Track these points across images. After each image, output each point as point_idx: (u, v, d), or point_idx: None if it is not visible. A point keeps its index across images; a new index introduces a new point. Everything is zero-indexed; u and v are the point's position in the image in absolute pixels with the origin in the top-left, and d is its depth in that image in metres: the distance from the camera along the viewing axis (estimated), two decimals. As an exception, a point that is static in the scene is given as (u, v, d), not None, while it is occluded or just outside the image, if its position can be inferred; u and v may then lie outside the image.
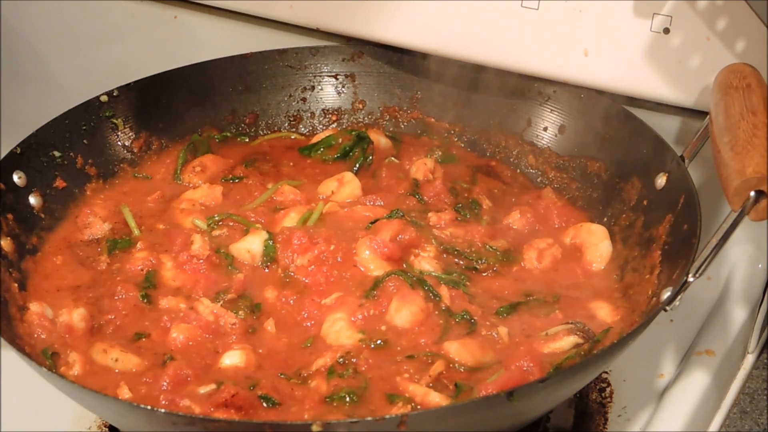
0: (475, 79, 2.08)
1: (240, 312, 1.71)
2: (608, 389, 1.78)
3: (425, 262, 1.77)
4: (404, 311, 1.67)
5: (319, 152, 2.07)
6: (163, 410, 1.45)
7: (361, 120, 2.16)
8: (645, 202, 1.82)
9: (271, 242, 1.81)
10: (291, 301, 1.73)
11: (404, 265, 1.77)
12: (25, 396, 1.76)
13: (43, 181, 1.88)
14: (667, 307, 1.55)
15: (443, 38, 2.02)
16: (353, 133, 2.07)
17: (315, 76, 2.15)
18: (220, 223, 1.88)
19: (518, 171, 2.04)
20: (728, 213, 1.54)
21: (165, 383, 1.57)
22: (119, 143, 2.02)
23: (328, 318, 1.68)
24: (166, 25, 2.34)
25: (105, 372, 1.62)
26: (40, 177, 1.87)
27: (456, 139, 2.11)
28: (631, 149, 1.88)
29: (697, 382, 1.73)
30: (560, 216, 1.91)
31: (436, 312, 1.69)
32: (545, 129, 2.03)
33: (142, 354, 1.64)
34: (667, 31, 1.87)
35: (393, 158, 2.05)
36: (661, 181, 1.79)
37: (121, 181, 2.00)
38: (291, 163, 2.06)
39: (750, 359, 1.82)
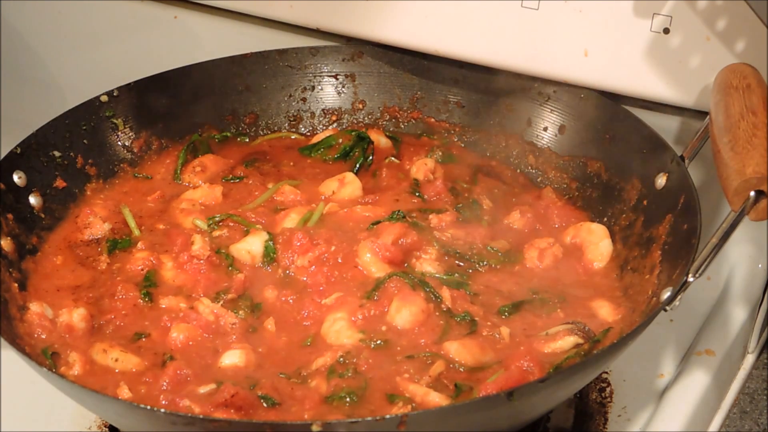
0: (475, 79, 2.08)
1: (240, 312, 1.71)
2: (608, 389, 1.78)
3: (427, 264, 1.77)
4: (405, 311, 1.67)
5: (320, 152, 2.07)
6: (163, 410, 1.45)
7: (361, 120, 2.16)
8: (645, 202, 1.82)
9: (271, 243, 1.81)
10: (291, 300, 1.74)
11: (405, 266, 1.77)
12: (25, 396, 1.76)
13: (43, 181, 1.88)
14: (667, 307, 1.55)
15: (443, 38, 2.02)
16: (353, 133, 2.07)
17: (315, 76, 2.15)
18: (221, 223, 1.88)
19: (518, 171, 2.04)
20: (728, 213, 1.54)
21: (165, 383, 1.57)
22: (119, 143, 2.02)
23: (329, 317, 1.68)
24: (166, 25, 2.34)
25: (105, 372, 1.62)
26: (40, 177, 1.87)
27: (456, 139, 2.11)
28: (631, 149, 1.88)
29: (697, 382, 1.74)
30: (560, 216, 1.91)
31: (437, 312, 1.69)
32: (545, 129, 2.03)
33: (142, 354, 1.64)
34: (667, 31, 1.87)
35: (393, 158, 2.06)
36: (661, 181, 1.79)
37: (121, 181, 2.00)
38: (291, 163, 2.06)
39: (750, 359, 1.82)
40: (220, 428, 1.41)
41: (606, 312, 1.71)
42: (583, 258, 1.82)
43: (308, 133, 2.14)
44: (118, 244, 1.85)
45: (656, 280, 1.68)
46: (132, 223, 1.89)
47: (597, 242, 1.83)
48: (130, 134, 2.03)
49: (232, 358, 1.62)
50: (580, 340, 1.63)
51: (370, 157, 2.05)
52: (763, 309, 1.77)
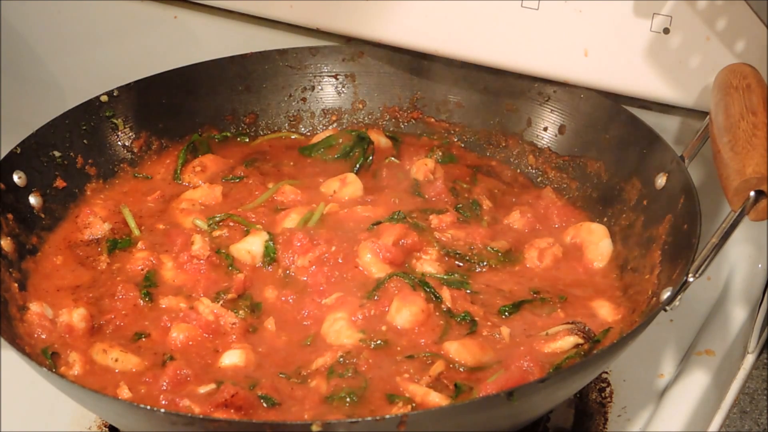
0: (475, 78, 2.08)
1: (240, 311, 1.71)
2: (608, 389, 1.78)
3: (427, 264, 1.77)
4: (405, 311, 1.67)
5: (320, 152, 2.07)
6: (162, 410, 1.45)
7: (361, 120, 2.16)
8: (645, 202, 1.82)
9: (271, 243, 1.81)
10: (291, 300, 1.74)
11: (405, 267, 1.77)
12: (25, 396, 1.76)
13: (43, 181, 1.88)
14: (667, 307, 1.55)
15: (443, 38, 2.02)
16: (353, 133, 2.07)
17: (315, 76, 2.15)
18: (221, 223, 1.88)
19: (518, 171, 2.04)
20: (728, 213, 1.54)
21: (165, 383, 1.57)
22: (119, 143, 2.02)
23: (329, 317, 1.68)
24: (166, 25, 2.34)
25: (105, 372, 1.62)
26: (40, 177, 1.87)
27: (456, 139, 2.11)
28: (631, 149, 1.88)
29: (697, 382, 1.74)
30: (560, 216, 1.91)
31: (437, 312, 1.69)
32: (545, 129, 2.03)
33: (142, 354, 1.64)
34: (667, 31, 1.87)
35: (393, 158, 2.05)
36: (661, 181, 1.79)
37: (121, 181, 2.00)
38: (291, 163, 2.06)
39: (750, 359, 1.82)
40: (220, 428, 1.41)
41: (606, 312, 1.71)
42: (583, 258, 1.82)
43: (308, 133, 2.14)
44: (118, 244, 1.85)
45: (656, 280, 1.68)
46: (132, 223, 1.89)
47: (597, 242, 1.83)
48: (130, 134, 2.03)
49: (232, 358, 1.62)
50: (580, 340, 1.63)
51: (370, 157, 2.05)
52: (763, 309, 1.77)
